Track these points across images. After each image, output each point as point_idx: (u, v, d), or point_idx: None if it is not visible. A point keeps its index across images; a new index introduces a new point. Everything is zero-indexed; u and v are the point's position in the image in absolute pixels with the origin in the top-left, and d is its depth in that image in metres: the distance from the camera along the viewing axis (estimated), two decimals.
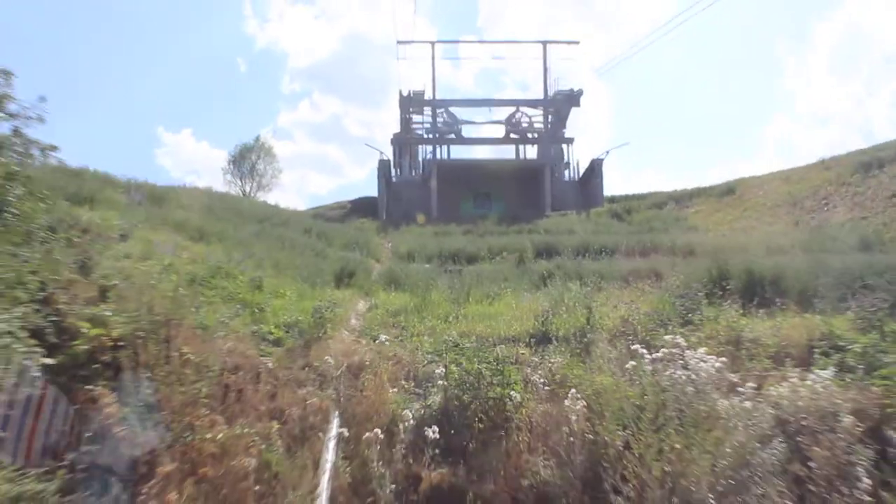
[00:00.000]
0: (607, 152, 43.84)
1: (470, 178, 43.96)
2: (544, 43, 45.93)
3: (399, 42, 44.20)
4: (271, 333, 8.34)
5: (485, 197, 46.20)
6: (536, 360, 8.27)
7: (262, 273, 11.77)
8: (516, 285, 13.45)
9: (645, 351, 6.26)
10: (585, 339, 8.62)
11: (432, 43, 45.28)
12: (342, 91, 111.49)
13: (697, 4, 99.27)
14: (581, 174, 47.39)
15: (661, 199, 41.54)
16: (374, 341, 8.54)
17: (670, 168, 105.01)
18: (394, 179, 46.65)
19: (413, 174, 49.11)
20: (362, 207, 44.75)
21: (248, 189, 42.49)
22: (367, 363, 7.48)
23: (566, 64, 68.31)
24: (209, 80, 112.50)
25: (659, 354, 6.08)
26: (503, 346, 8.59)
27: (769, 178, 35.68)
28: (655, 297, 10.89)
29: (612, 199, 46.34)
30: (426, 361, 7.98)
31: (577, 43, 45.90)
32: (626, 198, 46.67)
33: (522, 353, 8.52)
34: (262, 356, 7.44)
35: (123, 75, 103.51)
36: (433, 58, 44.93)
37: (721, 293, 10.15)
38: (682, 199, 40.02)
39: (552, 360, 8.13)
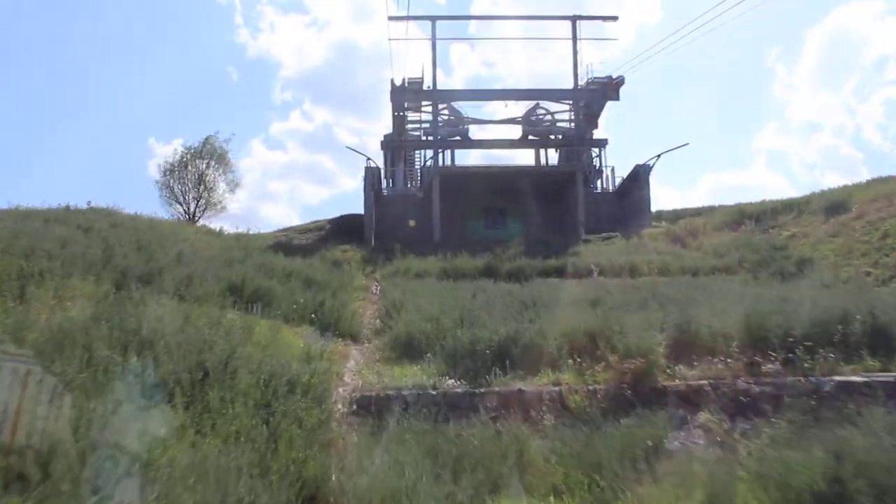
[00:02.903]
0: (658, 156, 34.33)
1: (480, 190, 34.28)
2: (573, 18, 36.43)
3: (391, 18, 34.69)
4: None
5: (498, 214, 36.69)
6: None
7: None
8: None
9: None
10: None
11: (432, 19, 35.74)
12: (334, 100, 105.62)
13: (690, 23, 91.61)
14: (618, 185, 38.00)
15: (730, 215, 31.97)
16: None
17: (667, 180, 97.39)
18: (385, 192, 37.10)
19: (409, 185, 39.56)
20: (346, 227, 35.07)
21: (192, 209, 32.54)
22: None
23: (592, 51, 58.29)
24: (201, 90, 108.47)
25: None
26: None
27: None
28: None
29: (659, 215, 37.03)
30: None
31: (615, 19, 36.54)
32: (676, 214, 37.37)
33: None
34: None
35: (113, 86, 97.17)
36: (434, 38, 35.38)
37: None
38: (762, 216, 30.51)
39: None
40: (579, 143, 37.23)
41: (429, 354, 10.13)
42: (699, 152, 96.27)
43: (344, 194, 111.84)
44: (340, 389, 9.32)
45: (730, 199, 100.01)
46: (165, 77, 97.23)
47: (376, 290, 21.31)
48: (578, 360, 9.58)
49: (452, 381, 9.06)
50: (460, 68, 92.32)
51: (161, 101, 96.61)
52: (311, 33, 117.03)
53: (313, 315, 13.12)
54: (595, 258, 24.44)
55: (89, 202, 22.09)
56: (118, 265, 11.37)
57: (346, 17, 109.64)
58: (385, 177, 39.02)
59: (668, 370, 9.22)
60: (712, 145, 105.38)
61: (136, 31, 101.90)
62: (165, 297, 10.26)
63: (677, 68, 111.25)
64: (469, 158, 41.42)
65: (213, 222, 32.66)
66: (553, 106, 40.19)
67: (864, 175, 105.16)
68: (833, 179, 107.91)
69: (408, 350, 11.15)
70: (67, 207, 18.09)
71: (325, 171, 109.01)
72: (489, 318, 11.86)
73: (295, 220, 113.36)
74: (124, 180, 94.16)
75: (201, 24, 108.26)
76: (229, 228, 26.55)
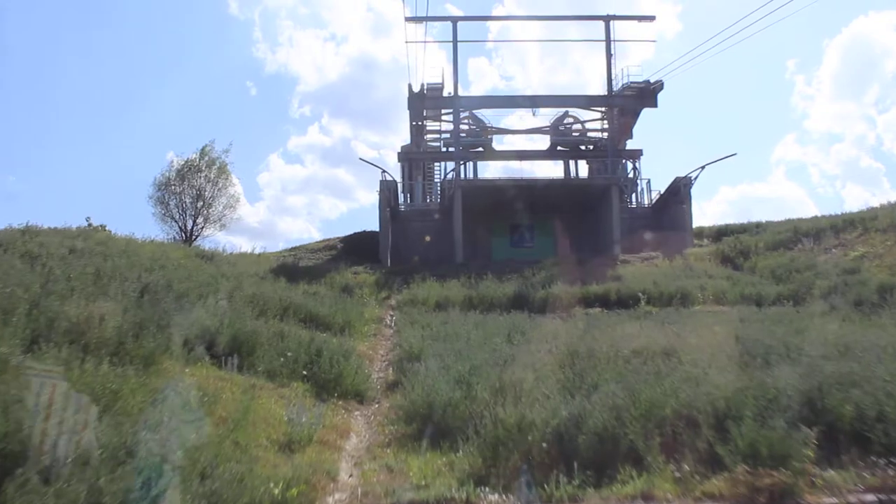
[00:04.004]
0: (702, 168, 31.23)
1: (505, 204, 31.05)
2: (607, 19, 33.56)
3: (408, 19, 31.96)
4: None
5: (525, 231, 33.74)
6: None
7: None
8: None
9: None
10: None
11: (453, 20, 33.04)
12: (352, 114, 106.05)
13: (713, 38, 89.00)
14: (654, 199, 34.94)
15: (783, 233, 28.71)
16: None
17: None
18: (402, 208, 34.33)
19: (428, 200, 36.78)
20: (359, 246, 32.39)
21: (189, 226, 29.78)
22: None
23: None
24: (220, 105, 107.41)
25: None
26: None
27: None
28: None
29: (700, 232, 33.76)
30: None
31: (652, 19, 33.65)
32: (718, 231, 34.02)
33: None
34: None
35: (132, 100, 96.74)
36: (455, 41, 32.69)
37: None
38: (821, 234, 27.32)
39: None
40: (613, 154, 34.21)
41: (460, 452, 7.19)
42: (716, 164, 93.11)
43: (363, 209, 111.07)
44: (330, 499, 6.45)
45: (750, 212, 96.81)
46: (184, 91, 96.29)
47: (391, 320, 18.54)
48: (675, 457, 6.61)
49: (496, 496, 6.12)
50: (478, 82, 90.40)
51: (180, 115, 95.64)
52: (329, 48, 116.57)
53: (307, 370, 10.27)
54: (640, 283, 21.47)
55: (88, 219, 20.43)
56: (46, 310, 8.58)
57: (365, 31, 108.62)
58: (402, 191, 36.34)
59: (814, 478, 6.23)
60: (733, 157, 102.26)
61: (156, 46, 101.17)
62: (94, 359, 7.44)
63: (694, 80, 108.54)
64: (489, 171, 38.55)
65: (232, 236, 30.14)
66: (583, 115, 37.33)
67: (885, 187, 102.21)
68: (854, 192, 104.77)
69: (428, 425, 8.25)
70: (25, 228, 15.47)
71: (344, 185, 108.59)
72: (535, 378, 8.94)
73: (314, 234, 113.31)
74: (142, 196, 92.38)
75: (221, 39, 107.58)
76: (242, 246, 24.00)
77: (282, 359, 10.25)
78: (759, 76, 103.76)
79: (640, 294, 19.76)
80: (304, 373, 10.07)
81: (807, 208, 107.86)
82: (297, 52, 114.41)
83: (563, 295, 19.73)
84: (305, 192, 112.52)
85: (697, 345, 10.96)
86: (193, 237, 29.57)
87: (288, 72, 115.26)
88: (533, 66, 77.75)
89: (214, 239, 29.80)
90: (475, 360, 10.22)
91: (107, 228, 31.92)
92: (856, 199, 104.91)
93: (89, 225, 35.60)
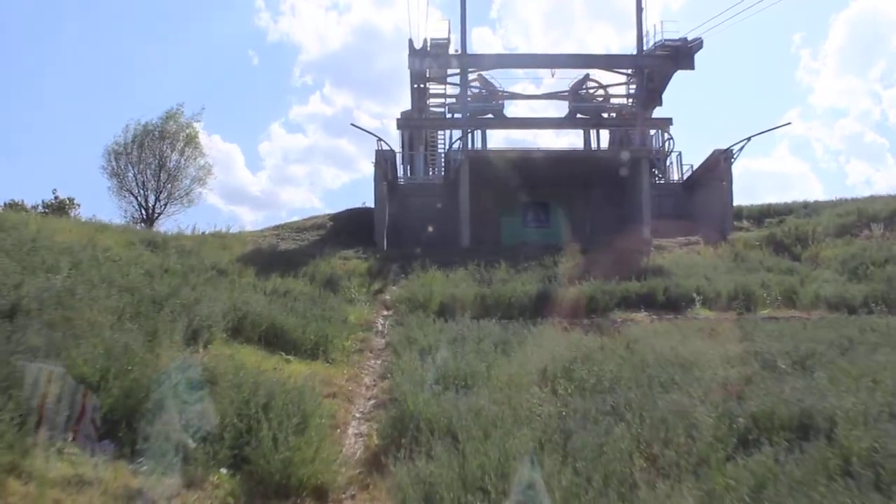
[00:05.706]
0: (748, 139, 27.01)
1: (518, 179, 26.75)
2: None
3: None
4: None
5: (540, 210, 29.71)
6: None
7: None
8: None
9: None
10: None
11: None
12: (355, 84, 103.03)
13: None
14: (686, 175, 30.86)
15: (845, 216, 24.61)
16: None
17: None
18: (401, 182, 30.31)
19: (430, 174, 32.71)
20: (352, 225, 28.40)
21: (151, 202, 25.53)
22: None
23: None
24: (221, 74, 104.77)
25: None
26: None
27: None
28: None
29: (738, 213, 29.62)
30: None
31: None
32: (760, 212, 29.83)
33: None
34: None
35: (132, 71, 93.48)
36: None
37: None
38: (893, 216, 23.28)
39: None
40: (642, 123, 30.05)
41: None
42: (720, 140, 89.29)
43: (365, 179, 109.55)
44: None
45: (753, 188, 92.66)
46: (185, 60, 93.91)
47: (383, 325, 14.73)
48: None
49: None
50: (481, 52, 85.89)
51: (181, 85, 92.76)
52: (332, 17, 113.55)
53: (237, 447, 6.38)
54: (688, 278, 17.62)
55: (54, 191, 17.18)
56: None
57: (368, 0, 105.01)
58: (402, 163, 32.29)
59: None
60: (734, 132, 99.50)
61: (157, 16, 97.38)
62: None
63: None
64: (494, 141, 34.06)
65: (235, 206, 26.11)
66: (605, 78, 33.10)
67: (889, 163, 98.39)
68: (858, 167, 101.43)
69: None
70: None
71: (346, 155, 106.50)
72: (618, 496, 5.11)
73: (316, 204, 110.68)
74: None
75: (223, 8, 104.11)
76: (244, 215, 19.66)
77: (197, 430, 6.36)
78: (765, 50, 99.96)
79: (694, 294, 15.96)
80: (229, 462, 6.17)
81: (810, 184, 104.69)
82: (300, 20, 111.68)
83: (599, 296, 15.83)
84: (307, 162, 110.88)
85: (850, 407, 7.08)
86: (156, 215, 25.54)
87: (290, 41, 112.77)
88: (537, 39, 73.71)
89: (214, 207, 26.02)
90: (509, 439, 6.36)
91: (75, 202, 28.24)
92: (859, 175, 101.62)
93: (56, 198, 31.75)
